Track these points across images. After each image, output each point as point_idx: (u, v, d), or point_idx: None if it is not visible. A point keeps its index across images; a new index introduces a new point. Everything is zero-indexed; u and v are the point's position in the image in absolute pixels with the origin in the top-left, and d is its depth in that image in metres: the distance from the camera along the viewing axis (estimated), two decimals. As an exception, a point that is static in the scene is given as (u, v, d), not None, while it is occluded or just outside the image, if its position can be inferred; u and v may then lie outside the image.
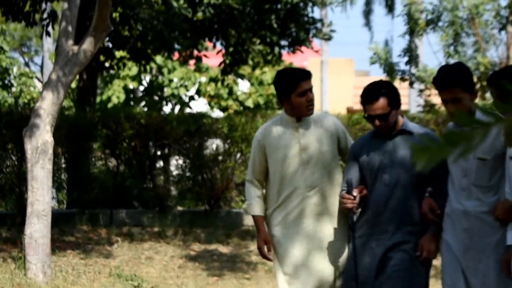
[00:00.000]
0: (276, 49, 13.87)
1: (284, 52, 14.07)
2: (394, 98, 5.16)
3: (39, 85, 24.94)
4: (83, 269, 8.89)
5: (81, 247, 10.08)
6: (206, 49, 14.84)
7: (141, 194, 12.58)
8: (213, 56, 15.42)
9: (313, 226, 5.32)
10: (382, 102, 5.11)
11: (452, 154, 2.02)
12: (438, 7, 15.19)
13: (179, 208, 12.84)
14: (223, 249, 10.64)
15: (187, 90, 24.62)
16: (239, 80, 24.09)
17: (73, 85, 17.79)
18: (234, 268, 9.64)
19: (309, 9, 13.73)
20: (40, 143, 8.13)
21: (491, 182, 4.85)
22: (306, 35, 13.54)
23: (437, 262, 5.23)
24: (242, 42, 13.43)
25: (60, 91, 8.25)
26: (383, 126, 5.14)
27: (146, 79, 24.95)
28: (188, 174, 12.62)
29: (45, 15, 11.07)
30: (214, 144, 12.65)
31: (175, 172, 12.90)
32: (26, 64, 32.14)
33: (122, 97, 24.39)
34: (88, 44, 8.28)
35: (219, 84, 17.89)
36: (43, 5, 11.27)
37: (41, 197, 8.12)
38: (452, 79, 4.86)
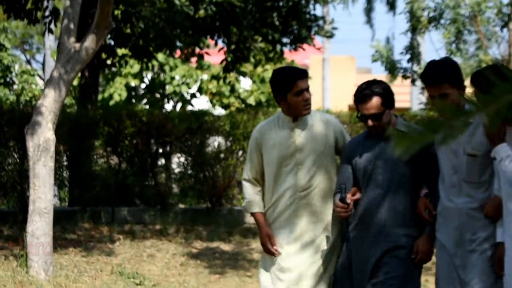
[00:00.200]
0: (278, 47, 13.86)
1: (286, 49, 14.07)
2: (388, 97, 5.07)
3: (40, 83, 24.95)
4: (85, 267, 8.89)
5: (83, 245, 10.08)
6: (208, 46, 14.84)
7: (143, 191, 12.58)
8: (215, 54, 15.43)
9: (306, 227, 5.24)
10: (375, 101, 5.02)
11: (432, 141, 2.02)
12: (440, 5, 15.17)
13: (181, 205, 12.84)
14: (225, 246, 10.64)
15: (189, 88, 24.62)
16: (241, 78, 24.08)
17: (75, 82, 17.78)
18: (236, 265, 9.63)
19: (311, 6, 13.73)
20: (42, 141, 8.13)
21: (482, 179, 4.80)
22: (308, 32, 13.53)
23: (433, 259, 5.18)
24: (244, 39, 13.42)
25: (62, 88, 8.24)
26: (376, 126, 5.04)
27: (148, 76, 24.95)
28: (190, 171, 12.62)
29: (47, 13, 11.07)
30: (216, 141, 12.65)
31: (177, 170, 12.90)
32: (28, 62, 32.16)
33: (124, 94, 24.39)
34: (90, 42, 8.28)
35: (221, 81, 17.90)
36: (45, 3, 11.28)
37: (43, 195, 8.12)
38: (439, 75, 4.79)
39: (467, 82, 4.86)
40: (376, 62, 16.28)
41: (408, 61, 15.77)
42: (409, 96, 27.49)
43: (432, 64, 4.94)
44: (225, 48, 14.07)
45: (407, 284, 4.96)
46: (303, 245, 5.25)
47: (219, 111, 23.82)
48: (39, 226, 8.10)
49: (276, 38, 13.35)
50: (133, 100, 24.76)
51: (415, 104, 23.58)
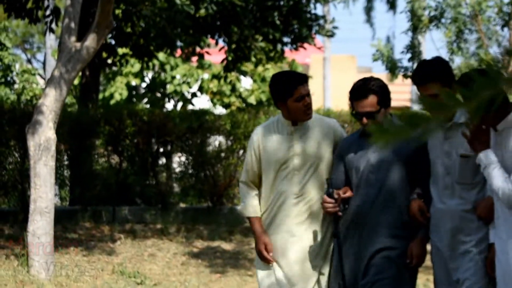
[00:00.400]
0: (279, 46, 13.86)
1: (286, 49, 14.06)
2: (384, 96, 4.96)
3: (41, 82, 24.96)
4: (86, 266, 8.89)
5: (84, 244, 10.08)
6: (209, 46, 14.84)
7: (143, 191, 12.59)
8: (215, 53, 15.42)
9: (300, 232, 5.16)
10: (371, 99, 4.92)
11: (412, 135, 2.02)
12: (441, 4, 15.17)
13: (182, 205, 12.85)
14: (226, 246, 10.64)
15: (190, 87, 24.61)
16: (242, 77, 24.07)
17: (76, 81, 17.79)
18: (237, 265, 9.63)
19: (311, 5, 13.72)
20: (43, 140, 8.13)
21: (475, 180, 4.73)
22: (308, 31, 13.52)
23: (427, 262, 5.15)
24: (245, 39, 13.42)
25: (63, 88, 8.25)
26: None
27: (149, 76, 24.94)
28: (190, 171, 12.63)
29: (48, 12, 11.07)
30: (216, 141, 12.65)
31: (177, 169, 12.90)
32: (29, 61, 32.15)
33: (125, 94, 24.38)
34: (90, 41, 8.28)
35: (222, 81, 17.89)
36: (46, 2, 11.28)
37: (44, 194, 8.12)
38: (431, 74, 4.74)
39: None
40: (377, 61, 16.27)
41: (409, 60, 15.77)
42: (409, 95, 27.50)
43: (423, 63, 4.90)
44: (226, 47, 14.07)
45: (398, 286, 4.89)
46: (297, 249, 5.16)
47: (220, 110, 23.82)
48: (40, 225, 8.10)
49: (276, 37, 13.34)
50: (134, 99, 24.75)
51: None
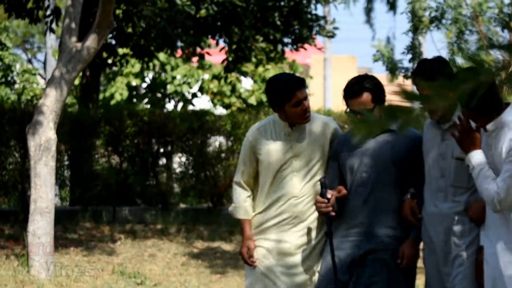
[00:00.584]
0: (279, 47, 13.85)
1: (287, 49, 14.06)
2: (378, 94, 4.90)
3: (42, 82, 24.96)
4: (86, 267, 8.89)
5: (84, 244, 10.08)
6: (209, 46, 14.83)
7: (144, 191, 12.59)
8: (216, 54, 15.41)
9: (294, 235, 5.10)
10: (365, 97, 4.84)
11: (391, 127, 2.03)
12: (441, 5, 15.18)
13: (182, 205, 12.85)
14: (226, 246, 10.64)
15: (190, 87, 24.61)
16: (242, 78, 24.07)
17: (76, 82, 17.79)
18: (237, 265, 9.63)
19: (312, 6, 13.72)
20: (44, 140, 8.13)
21: (470, 183, 4.63)
22: (309, 32, 13.52)
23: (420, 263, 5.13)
24: (245, 39, 13.41)
25: (63, 88, 8.25)
26: None
27: (149, 76, 24.95)
28: (191, 171, 12.63)
29: (48, 12, 11.07)
30: (217, 141, 12.65)
31: (178, 169, 12.91)
32: (29, 61, 32.16)
33: (125, 94, 24.38)
34: (91, 41, 8.28)
35: (222, 81, 17.91)
36: (46, 2, 11.28)
37: (44, 194, 8.12)
38: (430, 73, 4.68)
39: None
40: (377, 62, 16.27)
41: (410, 61, 15.77)
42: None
43: (423, 62, 4.87)
44: (226, 48, 14.07)
45: (391, 287, 4.87)
46: (289, 251, 5.12)
47: (220, 110, 23.81)
48: (40, 225, 8.10)
49: (277, 38, 13.34)
50: (134, 100, 24.75)
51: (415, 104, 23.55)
